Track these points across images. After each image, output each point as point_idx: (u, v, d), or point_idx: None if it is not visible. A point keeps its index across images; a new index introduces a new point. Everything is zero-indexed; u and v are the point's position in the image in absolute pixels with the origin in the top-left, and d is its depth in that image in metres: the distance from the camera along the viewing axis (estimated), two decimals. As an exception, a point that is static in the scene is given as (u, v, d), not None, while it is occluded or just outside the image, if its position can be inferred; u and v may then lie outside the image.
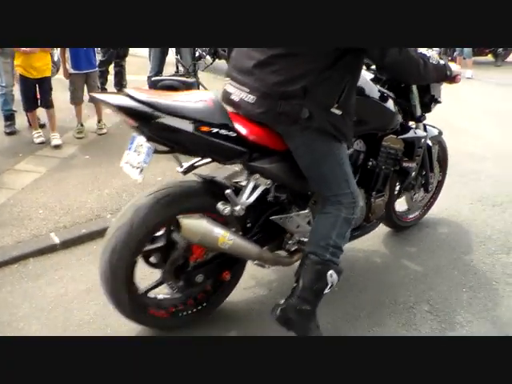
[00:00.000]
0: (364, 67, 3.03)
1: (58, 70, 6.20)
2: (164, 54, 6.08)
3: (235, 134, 2.46)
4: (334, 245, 2.63)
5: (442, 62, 2.88)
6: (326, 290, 2.64)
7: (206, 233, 2.55)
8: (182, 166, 2.74)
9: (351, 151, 2.98)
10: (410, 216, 4.07)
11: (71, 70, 5.61)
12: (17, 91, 5.83)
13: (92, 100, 5.85)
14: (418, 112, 3.40)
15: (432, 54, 2.75)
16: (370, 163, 3.18)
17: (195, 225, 2.55)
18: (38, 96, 5.46)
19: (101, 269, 2.60)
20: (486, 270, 3.60)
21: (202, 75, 6.10)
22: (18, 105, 5.89)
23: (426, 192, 3.89)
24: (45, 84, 5.39)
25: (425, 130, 3.59)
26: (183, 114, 2.34)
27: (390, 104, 3.13)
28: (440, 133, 3.83)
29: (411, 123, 3.47)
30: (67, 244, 3.77)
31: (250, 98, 2.46)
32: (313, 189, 2.81)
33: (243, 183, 2.74)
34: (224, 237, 2.57)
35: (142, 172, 2.45)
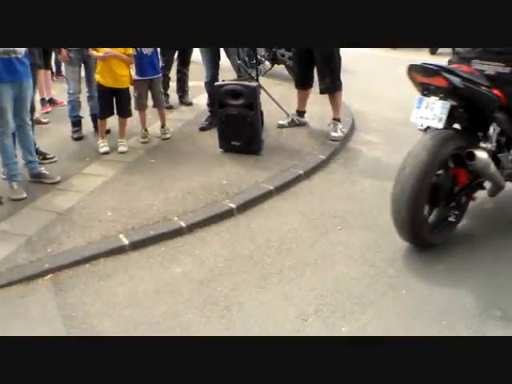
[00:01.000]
0: None
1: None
2: (216, 59, 6.10)
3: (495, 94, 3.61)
4: None
5: None
6: None
7: (487, 162, 3.53)
8: (422, 126, 3.79)
9: None
10: None
11: (136, 77, 5.73)
12: (84, 98, 6.01)
13: (155, 105, 5.98)
14: None
15: None
16: None
17: (483, 156, 3.50)
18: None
19: (399, 193, 3.50)
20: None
21: (262, 80, 6.14)
22: (84, 111, 6.06)
23: None
24: (122, 95, 5.51)
25: None
26: (475, 80, 3.53)
27: None
28: None
29: None
30: (136, 245, 3.85)
31: (507, 70, 3.65)
32: None
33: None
34: (490, 163, 3.58)
35: (440, 121, 3.47)
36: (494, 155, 3.74)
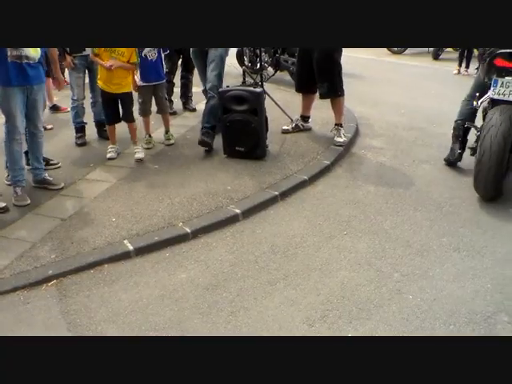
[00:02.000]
0: None
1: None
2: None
3: None
4: None
5: None
6: None
7: None
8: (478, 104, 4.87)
9: None
10: None
11: (140, 83, 5.72)
12: (87, 104, 6.01)
13: (159, 111, 5.98)
14: None
15: None
16: None
17: None
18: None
19: (487, 153, 4.30)
20: None
21: (266, 86, 6.13)
22: (88, 117, 6.06)
23: None
24: (125, 99, 5.49)
25: None
26: None
27: None
28: None
29: None
30: (140, 251, 3.84)
31: None
32: None
33: None
34: None
35: None
36: None
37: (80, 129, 6.00)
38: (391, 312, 3.16)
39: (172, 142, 5.98)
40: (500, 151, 4.26)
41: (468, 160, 5.16)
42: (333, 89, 5.77)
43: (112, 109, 5.53)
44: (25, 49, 4.27)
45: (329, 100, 5.92)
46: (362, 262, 3.70)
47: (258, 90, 5.29)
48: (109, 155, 5.51)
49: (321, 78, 5.77)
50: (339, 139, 5.80)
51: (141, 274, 3.60)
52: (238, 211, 4.33)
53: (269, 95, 5.96)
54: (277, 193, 4.66)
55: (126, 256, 3.80)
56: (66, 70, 5.96)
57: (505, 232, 4.07)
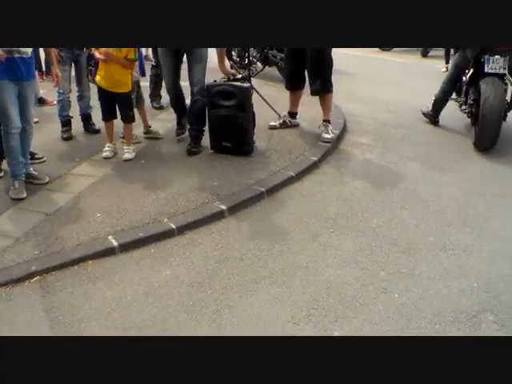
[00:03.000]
0: None
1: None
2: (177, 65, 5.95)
3: None
4: None
5: None
6: None
7: None
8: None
9: None
10: None
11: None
12: (74, 98, 5.95)
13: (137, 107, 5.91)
14: None
15: None
16: None
17: None
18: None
19: (489, 110, 5.58)
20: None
21: (253, 81, 6.09)
22: (74, 111, 6.00)
23: None
24: (121, 99, 5.34)
25: None
26: None
27: None
28: None
29: None
30: (125, 247, 3.80)
31: None
32: None
33: None
34: None
35: (504, 69, 5.76)
36: None
37: (66, 122, 5.93)
38: (377, 311, 3.15)
39: (159, 136, 5.94)
40: (500, 107, 5.63)
41: (454, 163, 5.17)
42: (324, 85, 5.75)
43: (108, 106, 5.38)
44: None
45: (317, 96, 5.90)
46: (349, 260, 3.69)
47: (246, 85, 5.25)
48: (104, 154, 5.38)
49: (314, 75, 5.74)
50: (327, 135, 5.78)
51: (125, 271, 3.57)
52: (223, 207, 4.30)
53: (256, 91, 5.93)
54: (263, 189, 4.63)
55: (110, 252, 3.76)
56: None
57: (491, 231, 4.07)
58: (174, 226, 4.02)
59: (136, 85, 5.69)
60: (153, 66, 6.72)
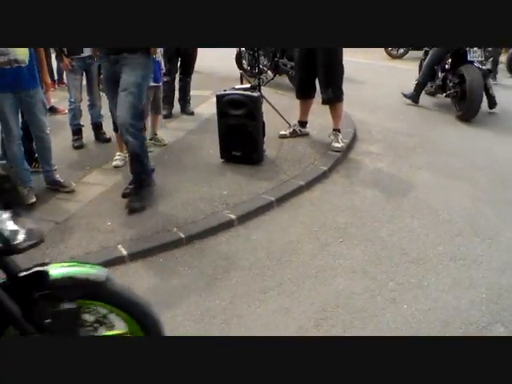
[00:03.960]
0: None
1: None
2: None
3: None
4: None
5: None
6: None
7: None
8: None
9: None
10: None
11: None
12: (84, 107, 5.99)
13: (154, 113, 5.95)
14: None
15: None
16: None
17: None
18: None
19: (475, 89, 6.91)
20: None
21: (263, 90, 6.10)
22: (85, 119, 6.04)
23: None
24: None
25: None
26: None
27: None
28: None
29: None
30: (134, 256, 3.81)
31: None
32: None
33: None
34: None
35: (482, 57, 7.35)
36: None
37: (77, 131, 5.97)
38: (385, 321, 3.14)
39: (165, 142, 5.98)
40: (481, 87, 7.03)
41: (463, 170, 5.15)
42: (335, 94, 5.75)
43: None
44: (12, 51, 4.20)
45: (327, 105, 5.90)
46: (358, 269, 3.68)
47: (256, 94, 5.27)
48: (115, 163, 5.41)
49: (326, 84, 5.74)
50: (337, 145, 5.77)
51: (134, 280, 3.57)
52: (233, 217, 4.31)
53: (266, 99, 5.93)
54: (273, 198, 4.63)
55: (119, 261, 3.77)
56: (64, 71, 5.95)
57: (502, 241, 4.04)
58: (182, 236, 4.03)
59: (153, 92, 5.70)
60: (164, 73, 6.76)
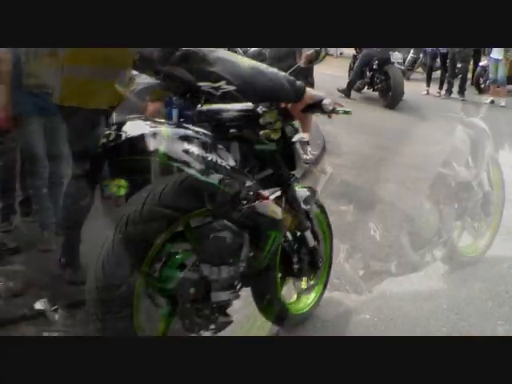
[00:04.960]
0: None
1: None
2: None
3: None
4: None
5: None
6: None
7: None
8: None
9: None
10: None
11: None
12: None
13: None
14: None
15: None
16: None
17: None
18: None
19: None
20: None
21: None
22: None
23: None
24: None
25: None
26: None
27: None
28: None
29: None
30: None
31: None
32: None
33: None
34: None
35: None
36: None
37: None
38: (347, 332, 3.16)
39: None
40: (402, 81, 9.38)
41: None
42: None
43: None
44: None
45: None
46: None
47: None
48: None
49: None
50: (305, 156, 5.79)
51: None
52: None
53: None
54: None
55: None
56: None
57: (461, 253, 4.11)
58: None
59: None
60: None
